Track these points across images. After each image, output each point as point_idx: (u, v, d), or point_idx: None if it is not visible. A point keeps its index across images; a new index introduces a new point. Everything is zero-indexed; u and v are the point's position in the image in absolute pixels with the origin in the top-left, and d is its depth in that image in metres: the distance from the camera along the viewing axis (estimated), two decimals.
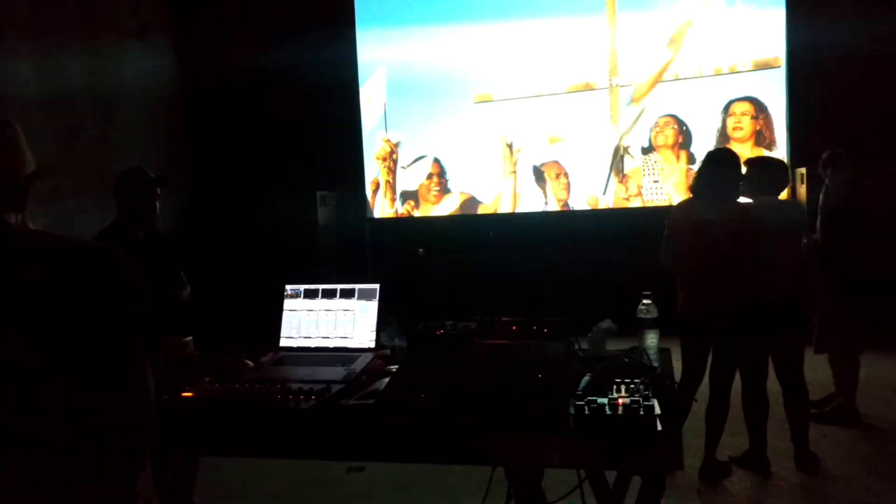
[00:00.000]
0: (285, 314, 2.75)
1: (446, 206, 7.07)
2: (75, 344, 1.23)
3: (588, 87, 6.71)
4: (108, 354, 1.27)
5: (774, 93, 6.34)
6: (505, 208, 6.90)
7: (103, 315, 1.26)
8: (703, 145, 6.30)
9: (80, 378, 1.23)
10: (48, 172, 1.47)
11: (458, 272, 6.39)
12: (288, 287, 2.76)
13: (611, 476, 2.77)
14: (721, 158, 3.60)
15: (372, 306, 2.72)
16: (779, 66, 6.31)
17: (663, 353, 2.59)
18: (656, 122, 6.58)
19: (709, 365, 3.64)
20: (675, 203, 4.14)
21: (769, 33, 6.31)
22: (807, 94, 6.15)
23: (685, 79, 6.48)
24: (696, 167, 3.97)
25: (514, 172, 6.87)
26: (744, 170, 3.74)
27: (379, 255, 6.85)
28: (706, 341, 3.58)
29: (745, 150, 6.06)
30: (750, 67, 6.37)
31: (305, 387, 2.21)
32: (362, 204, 7.18)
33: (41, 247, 1.28)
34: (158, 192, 3.63)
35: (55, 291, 1.23)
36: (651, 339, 2.59)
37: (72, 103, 5.44)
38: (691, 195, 3.71)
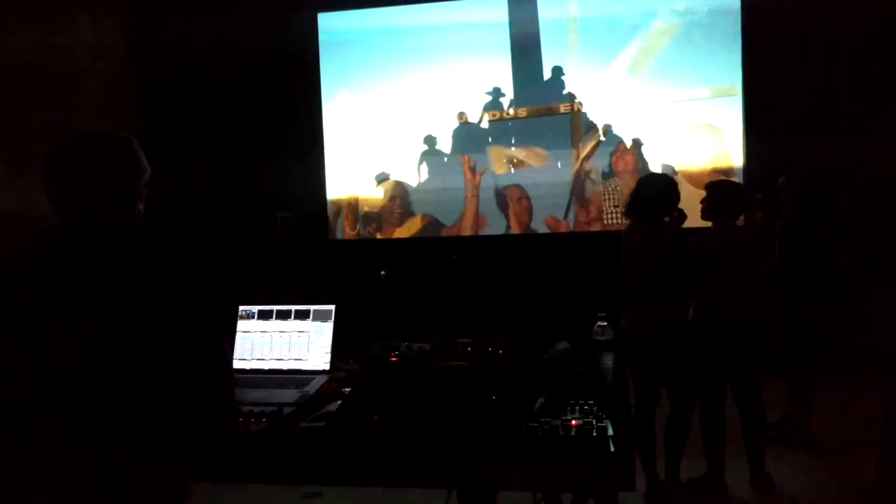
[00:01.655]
0: (238, 335, 2.71)
1: (408, 229, 7.05)
2: (173, 323, 1.51)
3: (550, 112, 6.79)
4: (197, 328, 1.56)
5: (731, 120, 6.47)
6: (467, 231, 6.91)
7: (188, 300, 1.55)
8: (661, 171, 6.41)
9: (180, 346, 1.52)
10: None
11: (418, 294, 6.37)
12: (241, 308, 2.72)
13: (567, 498, 2.77)
14: (648, 183, 3.81)
15: (327, 327, 2.69)
16: (735, 94, 6.45)
17: (618, 374, 2.60)
18: (616, 148, 6.67)
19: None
20: None
21: (726, 62, 6.46)
22: (764, 121, 6.28)
23: (645, 105, 6.59)
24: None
25: (476, 196, 6.90)
26: (703, 194, 3.85)
27: (339, 277, 6.80)
28: (650, 363, 3.61)
29: (703, 176, 6.15)
30: (708, 95, 6.50)
31: (257, 409, 2.18)
32: (323, 226, 7.13)
33: (134, 251, 1.54)
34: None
35: (151, 286, 1.51)
36: (606, 361, 2.60)
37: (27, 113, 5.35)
38: (628, 219, 3.88)
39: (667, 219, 3.72)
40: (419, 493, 3.63)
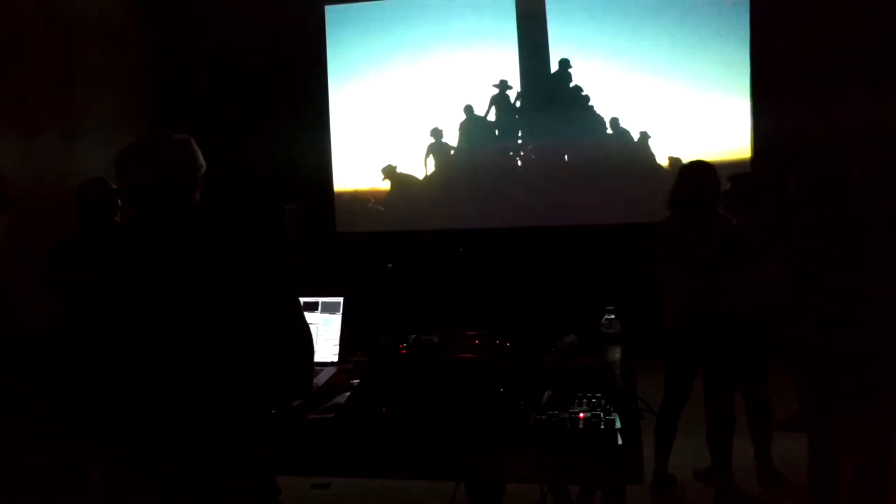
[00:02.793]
0: None
1: (413, 221, 7.04)
2: (264, 301, 1.73)
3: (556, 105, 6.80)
4: (284, 305, 1.79)
5: (740, 109, 6.44)
6: (476, 223, 6.89)
7: (274, 281, 1.77)
8: (668, 163, 6.42)
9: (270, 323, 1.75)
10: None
11: (426, 287, 6.38)
12: None
13: (574, 492, 2.78)
14: (698, 173, 3.57)
15: (336, 319, 2.70)
16: (744, 84, 6.42)
17: (626, 367, 2.60)
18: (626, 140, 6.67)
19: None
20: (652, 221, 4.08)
21: (734, 51, 6.43)
22: (773, 112, 6.24)
23: (653, 97, 6.57)
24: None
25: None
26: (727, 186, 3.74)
27: (346, 270, 6.81)
28: (693, 360, 3.58)
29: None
30: (716, 86, 6.48)
31: None
32: (330, 218, 7.14)
33: (218, 240, 1.78)
34: (119, 203, 3.58)
35: (241, 268, 1.73)
36: (614, 354, 2.60)
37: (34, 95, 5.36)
38: (669, 212, 3.67)
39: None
40: (427, 484, 3.66)
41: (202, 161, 1.85)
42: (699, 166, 3.61)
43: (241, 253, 1.77)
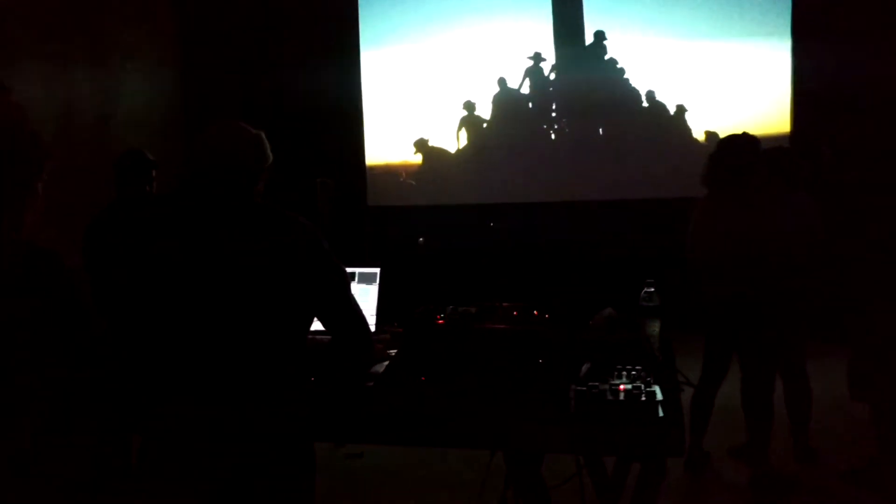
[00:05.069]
0: None
1: (446, 195, 7.01)
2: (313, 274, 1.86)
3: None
4: (335, 279, 1.93)
5: (779, 82, 6.31)
6: (510, 198, 6.84)
7: (324, 256, 1.90)
8: (704, 138, 6.33)
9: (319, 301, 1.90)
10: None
11: (459, 261, 6.37)
12: None
13: (610, 465, 2.77)
14: (739, 145, 3.46)
15: (372, 290, 2.71)
16: (784, 56, 6.28)
17: (665, 342, 2.57)
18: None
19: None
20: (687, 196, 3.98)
21: (774, 22, 6.28)
22: (813, 85, 6.11)
23: (690, 70, 6.46)
24: None
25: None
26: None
27: (378, 243, 6.83)
28: (731, 335, 3.53)
29: None
30: (755, 58, 6.35)
31: None
32: (362, 191, 7.14)
33: (273, 217, 1.88)
34: (154, 174, 3.62)
35: (290, 247, 1.84)
36: (653, 328, 2.57)
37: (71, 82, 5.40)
38: (705, 188, 3.58)
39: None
40: (459, 455, 3.69)
41: (269, 154, 1.95)
42: (734, 139, 3.52)
43: (299, 230, 1.87)
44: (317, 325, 1.95)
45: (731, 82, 6.42)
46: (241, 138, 1.92)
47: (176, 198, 1.97)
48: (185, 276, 1.81)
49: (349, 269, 2.73)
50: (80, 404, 1.61)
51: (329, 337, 1.98)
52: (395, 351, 2.42)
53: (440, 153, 7.06)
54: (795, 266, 3.44)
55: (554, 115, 6.89)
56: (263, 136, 1.96)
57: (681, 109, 6.52)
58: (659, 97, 6.57)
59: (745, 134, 3.54)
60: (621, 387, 1.97)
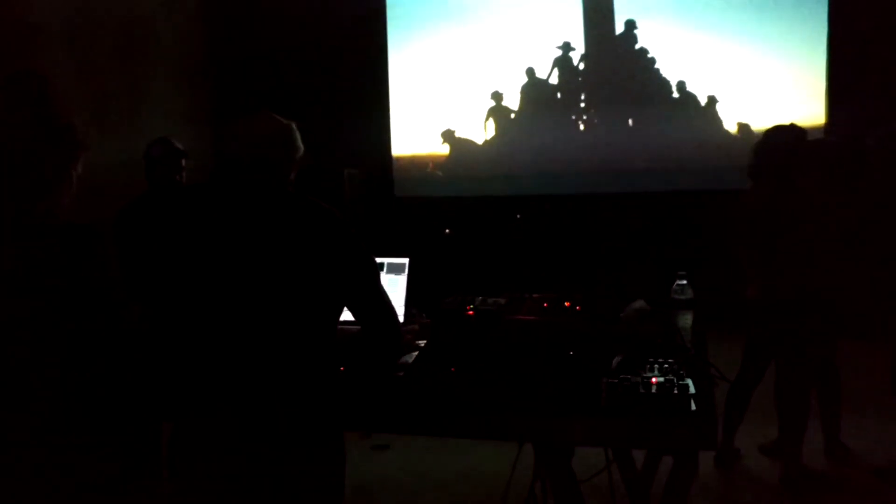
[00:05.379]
0: None
1: (473, 186, 6.99)
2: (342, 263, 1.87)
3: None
4: (364, 270, 1.94)
5: (814, 74, 6.20)
6: (538, 189, 6.80)
7: (354, 246, 1.91)
8: (737, 130, 6.24)
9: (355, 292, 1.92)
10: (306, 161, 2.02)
11: (486, 252, 6.35)
12: None
13: (638, 456, 2.75)
14: (773, 136, 3.40)
15: (401, 280, 2.70)
16: (820, 47, 6.16)
17: (697, 334, 2.54)
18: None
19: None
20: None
21: (810, 10, 6.17)
22: (849, 78, 5.99)
23: (721, 60, 6.37)
24: None
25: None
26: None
27: (405, 235, 6.83)
28: (772, 337, 3.46)
29: None
30: (789, 47, 6.23)
31: None
32: (389, 182, 7.14)
33: (305, 207, 1.88)
34: (184, 163, 3.64)
35: (326, 235, 1.86)
36: (685, 320, 2.54)
37: (102, 73, 5.45)
38: (750, 180, 3.51)
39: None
40: (485, 449, 3.68)
41: (300, 145, 1.97)
42: (780, 130, 3.45)
43: (331, 220, 1.88)
44: (345, 316, 1.94)
45: (764, 72, 6.31)
46: (272, 129, 1.93)
47: (208, 188, 1.97)
48: (218, 266, 1.82)
49: (378, 260, 2.73)
50: (111, 384, 1.63)
51: (358, 327, 1.97)
52: (424, 341, 2.41)
53: (467, 144, 7.03)
54: (839, 260, 3.36)
55: (583, 105, 6.83)
56: (294, 126, 1.97)
57: (712, 100, 6.43)
58: (690, 88, 6.49)
59: (792, 125, 3.47)
60: (653, 380, 1.94)
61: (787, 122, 3.48)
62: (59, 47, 4.87)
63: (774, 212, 3.33)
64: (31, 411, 1.53)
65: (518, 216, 6.80)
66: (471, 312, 2.30)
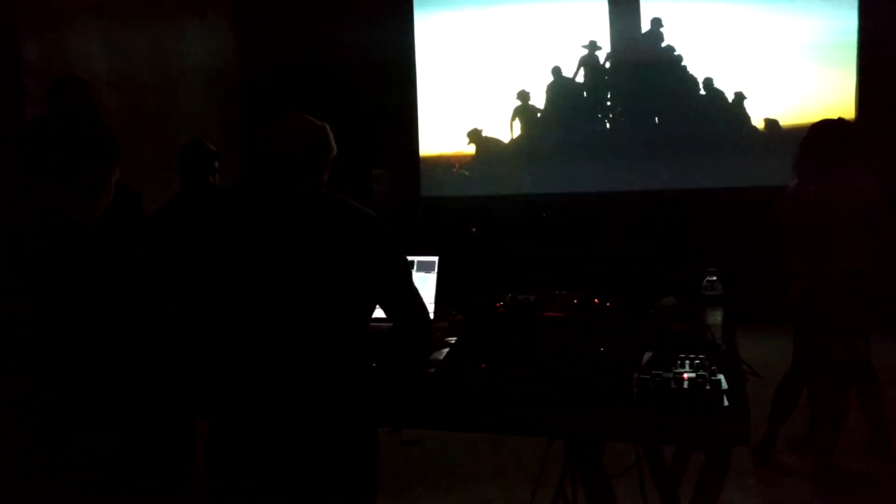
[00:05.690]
0: None
1: (500, 185, 7.00)
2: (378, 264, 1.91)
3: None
4: (397, 269, 1.98)
5: (843, 71, 6.13)
6: (565, 188, 6.79)
7: (389, 248, 1.95)
8: (764, 126, 6.18)
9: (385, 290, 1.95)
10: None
11: (514, 250, 6.36)
12: None
13: (668, 451, 2.74)
14: (834, 131, 3.31)
15: (431, 278, 2.72)
16: (850, 45, 6.09)
17: (727, 330, 2.53)
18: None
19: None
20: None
21: (840, 8, 6.10)
22: (879, 75, 5.92)
23: (748, 57, 6.32)
24: None
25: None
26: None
27: (432, 234, 6.85)
28: (823, 336, 3.39)
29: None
30: (819, 45, 6.17)
31: None
32: (416, 182, 7.17)
33: (339, 207, 1.93)
34: (216, 165, 3.70)
35: (357, 234, 1.90)
36: (715, 317, 2.53)
37: (136, 82, 5.54)
38: (795, 177, 3.45)
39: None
40: (515, 445, 3.69)
41: (334, 146, 2.00)
42: (826, 125, 3.38)
43: (364, 220, 1.92)
44: (377, 313, 1.97)
45: (792, 68, 6.25)
46: (308, 130, 1.96)
47: (243, 189, 2.01)
48: (253, 266, 1.86)
49: (409, 258, 2.76)
50: (150, 383, 1.67)
51: (389, 324, 2.00)
52: (454, 338, 2.43)
53: (494, 143, 7.04)
54: (882, 257, 3.32)
55: (609, 104, 6.82)
56: (328, 128, 2.00)
57: (739, 97, 6.38)
58: (717, 84, 6.45)
59: (840, 119, 3.43)
60: (685, 375, 1.95)
61: (833, 118, 3.41)
62: (96, 56, 4.96)
63: (821, 209, 3.28)
64: (72, 411, 1.57)
65: (544, 214, 6.80)
66: (501, 309, 2.32)
